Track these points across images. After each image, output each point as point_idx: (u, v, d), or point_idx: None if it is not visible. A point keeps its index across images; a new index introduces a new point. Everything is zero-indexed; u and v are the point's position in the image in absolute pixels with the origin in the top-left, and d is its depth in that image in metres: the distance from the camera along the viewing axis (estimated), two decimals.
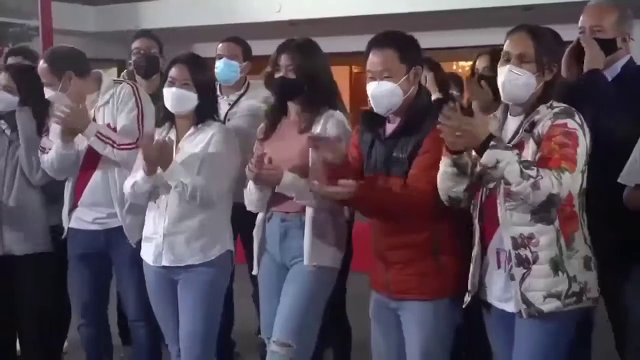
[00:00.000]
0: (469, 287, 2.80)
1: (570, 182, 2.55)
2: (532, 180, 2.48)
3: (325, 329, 3.46)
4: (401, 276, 2.94)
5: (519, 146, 2.65)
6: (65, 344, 4.50)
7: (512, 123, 2.76)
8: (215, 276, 3.46)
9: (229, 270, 3.56)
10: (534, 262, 2.64)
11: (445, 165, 2.71)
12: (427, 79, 4.04)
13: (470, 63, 4.75)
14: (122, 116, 3.63)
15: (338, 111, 3.35)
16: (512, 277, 2.67)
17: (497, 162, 2.49)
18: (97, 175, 3.68)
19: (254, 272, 3.52)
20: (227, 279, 3.58)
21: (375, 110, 2.97)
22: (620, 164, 2.95)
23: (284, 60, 3.30)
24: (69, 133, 3.57)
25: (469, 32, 7.96)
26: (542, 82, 2.69)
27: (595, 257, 2.75)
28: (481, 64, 4.11)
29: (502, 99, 2.76)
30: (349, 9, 8.04)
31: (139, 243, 3.58)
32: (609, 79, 3.24)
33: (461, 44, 7.97)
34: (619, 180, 2.95)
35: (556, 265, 2.65)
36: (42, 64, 3.66)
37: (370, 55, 2.96)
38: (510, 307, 2.74)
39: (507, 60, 2.71)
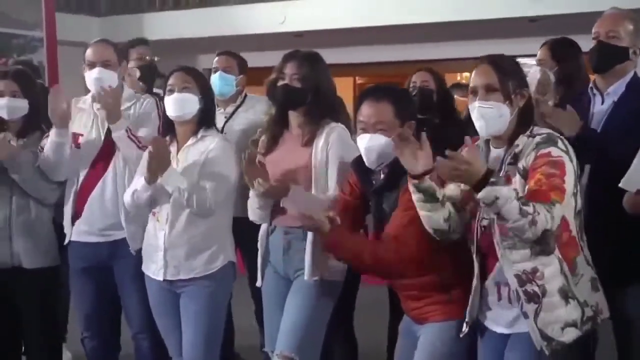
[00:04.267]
0: (467, 318, 2.76)
1: (560, 213, 2.50)
2: (530, 217, 2.43)
3: (330, 344, 3.43)
4: (417, 306, 2.94)
5: (506, 180, 2.59)
6: (70, 355, 4.47)
7: (496, 156, 2.71)
8: (217, 288, 3.44)
9: (231, 282, 3.55)
10: (544, 296, 2.59)
11: (412, 192, 2.68)
12: None
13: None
14: (144, 124, 3.64)
15: (340, 124, 3.33)
16: (525, 315, 2.61)
17: (496, 198, 2.42)
18: (103, 183, 3.67)
19: (258, 284, 3.51)
20: (229, 291, 3.56)
21: (366, 163, 2.94)
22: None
23: (289, 69, 3.30)
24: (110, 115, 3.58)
25: (474, 43, 7.94)
26: (516, 110, 2.65)
27: (598, 275, 2.71)
28: None
29: (481, 135, 2.72)
30: (352, 21, 8.05)
31: (139, 252, 3.57)
32: (613, 96, 3.24)
33: (465, 55, 7.95)
34: (620, 185, 2.95)
35: (566, 294, 2.60)
36: (106, 44, 3.71)
37: (364, 107, 2.93)
38: (505, 330, 2.70)
39: (475, 94, 2.67)
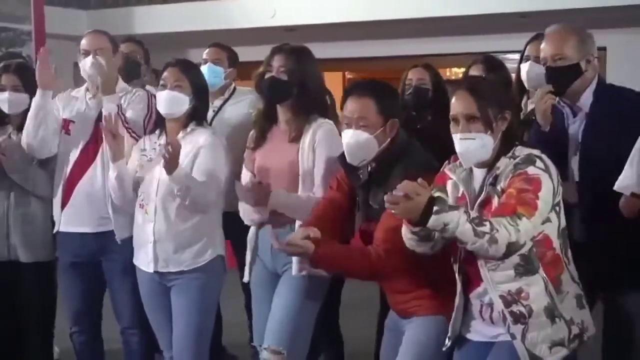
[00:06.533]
0: (449, 333, 2.76)
1: (529, 226, 2.47)
2: (487, 236, 2.40)
3: (317, 339, 3.44)
4: (403, 301, 2.95)
5: (487, 202, 2.59)
6: (57, 350, 4.47)
7: (478, 175, 2.70)
8: (207, 281, 3.45)
9: (222, 275, 3.55)
10: (530, 316, 2.58)
11: (406, 232, 2.64)
12: None
13: (464, 70, 4.73)
14: (132, 110, 3.65)
15: (327, 120, 3.33)
16: (513, 337, 2.60)
17: (445, 225, 2.39)
18: (92, 171, 3.67)
19: (245, 280, 3.51)
20: (219, 284, 3.56)
21: (348, 160, 2.93)
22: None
23: (276, 61, 3.30)
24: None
25: (463, 39, 7.96)
26: (499, 135, 2.63)
27: (584, 292, 2.70)
28: (474, 72, 4.09)
29: (465, 166, 2.69)
30: (343, 15, 8.03)
31: (125, 241, 3.57)
32: (584, 108, 3.22)
33: (455, 50, 7.96)
34: (614, 188, 2.95)
35: (552, 313, 2.59)
36: (101, 33, 3.75)
37: (348, 102, 2.93)
38: (486, 338, 2.69)
39: (456, 122, 2.64)
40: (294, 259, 3.20)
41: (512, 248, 2.45)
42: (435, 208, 2.39)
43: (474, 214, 2.49)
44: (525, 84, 3.85)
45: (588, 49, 3.22)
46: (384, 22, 7.92)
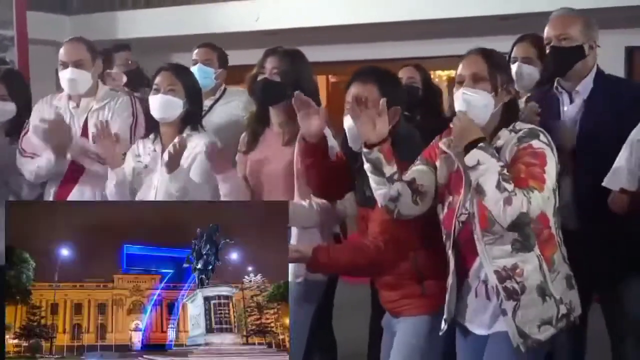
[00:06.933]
0: (445, 315, 2.76)
1: (540, 201, 2.51)
2: (506, 193, 2.44)
3: (311, 342, 3.43)
4: (392, 299, 2.95)
5: None
6: None
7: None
8: None
9: None
10: (522, 293, 2.60)
11: (364, 160, 2.69)
12: None
13: (447, 72, 4.75)
14: (117, 123, 3.63)
15: None
16: (504, 312, 2.62)
17: (478, 163, 2.45)
18: (78, 190, 3.66)
19: None
20: None
21: (349, 144, 2.92)
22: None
23: (269, 63, 3.29)
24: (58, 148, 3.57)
25: (445, 42, 7.98)
26: (500, 104, 2.64)
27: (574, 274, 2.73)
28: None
29: None
30: (327, 19, 8.04)
31: None
32: (583, 94, 3.27)
33: (437, 53, 7.98)
34: (603, 184, 2.98)
35: (543, 291, 2.62)
36: (78, 42, 3.69)
37: (352, 87, 2.92)
38: (484, 331, 2.71)
39: (461, 83, 2.66)
40: (290, 265, 3.19)
41: (522, 218, 2.49)
42: (480, 144, 2.47)
43: (504, 170, 2.50)
44: (515, 85, 3.87)
45: (592, 35, 3.28)
46: (366, 25, 7.94)
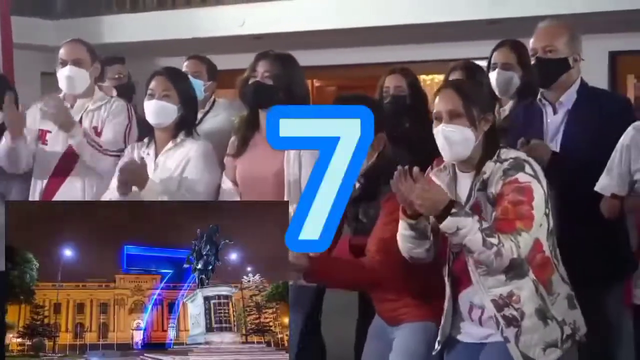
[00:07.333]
0: (439, 337, 2.78)
1: (529, 240, 2.53)
2: (495, 248, 2.45)
3: (300, 347, 3.45)
4: (392, 308, 2.97)
5: (476, 207, 2.62)
6: None
7: (464, 181, 2.72)
8: None
9: None
10: (522, 319, 2.61)
11: (403, 228, 2.67)
12: None
13: (437, 76, 4.78)
14: (112, 124, 3.65)
15: None
16: (506, 340, 2.63)
17: (458, 229, 2.45)
18: (69, 183, 3.67)
19: None
20: None
21: None
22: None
23: (261, 66, 3.31)
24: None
25: (434, 46, 8.03)
26: (481, 134, 2.66)
27: (574, 292, 2.75)
28: (454, 77, 4.13)
29: (446, 160, 2.73)
30: (312, 23, 8.07)
31: None
32: (567, 105, 3.32)
33: (427, 57, 8.03)
34: (595, 189, 3.03)
35: (543, 315, 2.63)
36: (79, 43, 3.73)
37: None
38: (477, 340, 2.72)
39: (439, 120, 2.68)
40: None
41: (514, 263, 2.51)
42: (453, 210, 2.44)
43: (485, 224, 2.51)
44: (496, 92, 3.92)
45: (577, 48, 3.33)
46: (352, 30, 7.98)
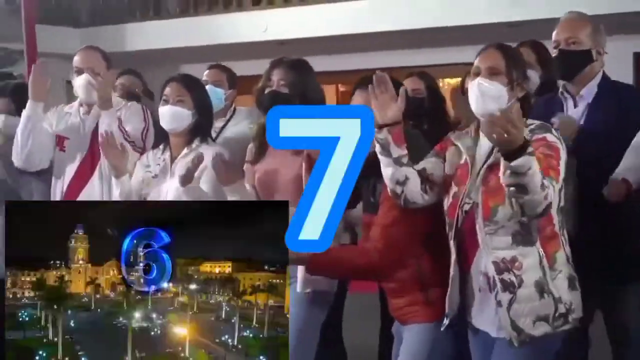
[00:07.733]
0: (447, 310, 2.75)
1: (555, 193, 2.49)
2: (546, 190, 2.42)
3: (320, 354, 3.43)
4: (398, 306, 2.94)
5: (493, 166, 2.58)
6: None
7: (485, 142, 2.67)
8: None
9: None
10: (519, 286, 2.58)
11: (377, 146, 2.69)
12: None
13: (454, 80, 4.74)
14: (131, 123, 3.65)
15: None
16: (499, 304, 2.60)
17: (528, 168, 2.37)
18: (89, 188, 3.68)
19: None
20: None
21: None
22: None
23: (276, 74, 3.30)
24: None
25: (453, 50, 7.99)
26: (514, 99, 2.63)
27: (577, 275, 2.70)
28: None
29: (474, 112, 2.70)
30: (334, 28, 8.07)
31: None
32: (587, 98, 3.28)
33: (445, 61, 7.99)
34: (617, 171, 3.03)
35: (541, 288, 2.59)
36: (94, 50, 3.75)
37: (355, 96, 2.93)
38: (492, 331, 2.68)
39: (477, 75, 2.67)
40: (299, 275, 3.18)
41: (547, 209, 2.47)
42: (529, 149, 2.37)
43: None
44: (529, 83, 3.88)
45: (600, 41, 3.30)
46: (375, 34, 7.97)
